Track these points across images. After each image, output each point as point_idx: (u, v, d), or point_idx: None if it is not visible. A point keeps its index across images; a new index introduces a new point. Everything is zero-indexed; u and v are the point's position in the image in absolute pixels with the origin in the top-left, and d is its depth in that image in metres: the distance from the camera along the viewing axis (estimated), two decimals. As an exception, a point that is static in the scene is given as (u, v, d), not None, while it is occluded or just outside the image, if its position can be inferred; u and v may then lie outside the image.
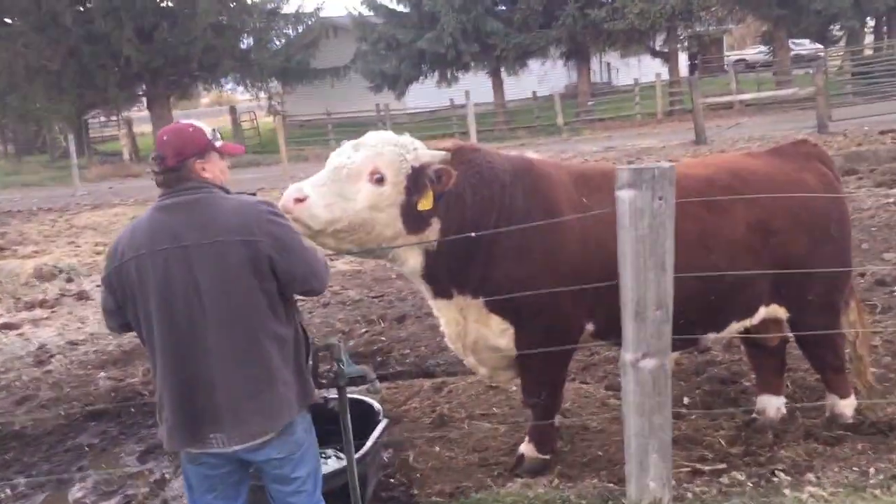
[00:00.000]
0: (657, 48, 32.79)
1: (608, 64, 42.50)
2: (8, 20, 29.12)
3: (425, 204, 3.70)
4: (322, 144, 28.27)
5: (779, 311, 4.46)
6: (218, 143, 3.13)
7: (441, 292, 4.08)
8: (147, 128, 34.82)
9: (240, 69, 31.34)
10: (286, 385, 3.07)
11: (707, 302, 4.14)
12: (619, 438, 4.14)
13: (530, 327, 4.07)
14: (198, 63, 29.53)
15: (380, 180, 3.66)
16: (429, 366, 6.76)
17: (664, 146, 20.37)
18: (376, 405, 4.55)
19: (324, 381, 3.56)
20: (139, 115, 38.80)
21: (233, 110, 33.42)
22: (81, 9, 27.86)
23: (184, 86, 33.18)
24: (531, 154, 4.45)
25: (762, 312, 4.42)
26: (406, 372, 6.73)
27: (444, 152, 3.80)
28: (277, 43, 32.93)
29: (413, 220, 3.77)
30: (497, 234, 3.85)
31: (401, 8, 31.59)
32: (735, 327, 4.44)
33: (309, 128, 33.92)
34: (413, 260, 3.93)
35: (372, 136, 3.80)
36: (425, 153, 3.78)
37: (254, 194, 3.21)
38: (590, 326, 4.20)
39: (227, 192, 3.13)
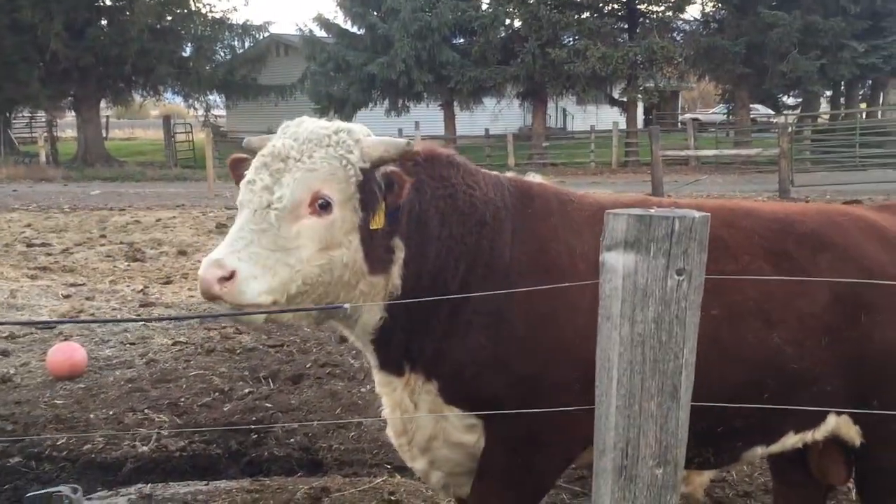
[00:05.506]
0: (616, 96, 32.16)
1: (564, 109, 42.16)
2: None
3: (377, 221, 2.68)
4: (259, 164, 26.69)
5: (850, 431, 3.02)
6: None
7: (390, 363, 2.92)
8: (73, 133, 32.64)
9: (178, 77, 29.66)
10: None
11: (759, 401, 2.80)
12: None
13: (505, 431, 2.80)
14: (132, 66, 27.79)
15: (324, 206, 2.59)
16: (318, 450, 5.17)
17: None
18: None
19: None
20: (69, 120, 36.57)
21: (167, 121, 31.50)
22: (9, -5, 25.92)
23: (117, 90, 31.29)
24: (537, 178, 3.19)
25: (830, 424, 3.01)
26: (284, 459, 5.13)
27: (402, 140, 2.74)
28: (222, 55, 31.46)
29: (375, 250, 2.69)
30: (465, 293, 2.74)
31: (354, 29, 30.27)
32: (791, 441, 3.04)
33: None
34: (369, 313, 2.79)
35: (290, 137, 2.63)
36: (374, 145, 2.68)
37: None
38: None
39: None
